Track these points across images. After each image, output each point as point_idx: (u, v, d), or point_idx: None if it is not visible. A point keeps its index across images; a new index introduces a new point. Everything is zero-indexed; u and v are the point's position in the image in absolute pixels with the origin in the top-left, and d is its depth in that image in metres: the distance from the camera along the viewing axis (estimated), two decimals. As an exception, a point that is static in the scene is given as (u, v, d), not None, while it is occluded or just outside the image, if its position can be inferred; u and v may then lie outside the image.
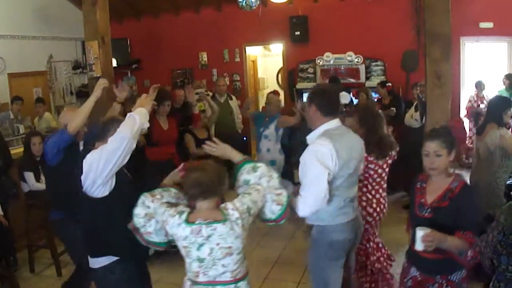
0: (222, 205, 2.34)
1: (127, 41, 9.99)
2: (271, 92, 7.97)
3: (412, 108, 6.70)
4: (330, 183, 2.69)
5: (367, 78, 8.41)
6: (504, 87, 7.48)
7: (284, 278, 4.51)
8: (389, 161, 3.66)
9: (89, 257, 2.77)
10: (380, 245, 3.72)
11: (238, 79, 9.83)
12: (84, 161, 2.58)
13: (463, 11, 7.04)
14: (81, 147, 3.49)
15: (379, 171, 3.57)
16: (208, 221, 2.26)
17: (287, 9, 8.87)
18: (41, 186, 4.78)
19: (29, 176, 4.86)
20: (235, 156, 2.65)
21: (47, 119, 7.46)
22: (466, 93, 8.19)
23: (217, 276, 2.33)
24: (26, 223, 4.86)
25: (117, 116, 2.99)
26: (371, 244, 3.64)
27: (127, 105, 5.25)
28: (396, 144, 3.78)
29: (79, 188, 2.62)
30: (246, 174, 2.54)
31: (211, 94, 7.53)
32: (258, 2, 7.28)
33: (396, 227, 4.50)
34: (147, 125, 2.70)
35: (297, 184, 2.90)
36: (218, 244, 2.27)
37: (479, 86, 7.72)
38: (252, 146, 8.08)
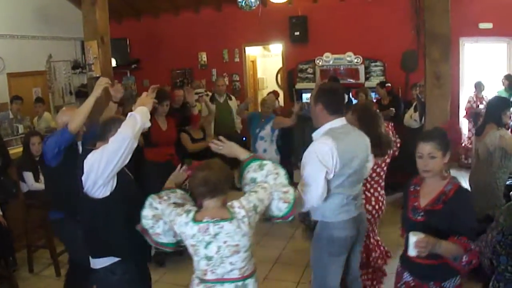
0: (229, 203, 2.36)
1: (126, 41, 9.99)
2: (270, 92, 8.02)
3: (412, 109, 6.71)
4: (330, 181, 2.76)
5: (367, 79, 8.41)
6: (503, 87, 7.49)
7: (283, 277, 4.52)
8: (388, 160, 3.68)
9: (90, 258, 2.75)
10: (380, 242, 3.74)
11: (238, 79, 9.84)
12: (85, 161, 2.56)
13: (463, 11, 7.05)
14: (80, 147, 3.50)
15: (378, 169, 3.59)
16: (215, 219, 2.28)
17: (287, 9, 8.88)
18: (40, 186, 4.78)
19: (28, 176, 4.85)
20: (242, 154, 2.67)
21: (46, 119, 7.45)
22: (466, 94, 8.21)
23: (225, 273, 2.35)
24: (25, 223, 4.85)
25: (118, 116, 2.98)
26: (372, 240, 3.65)
27: (127, 105, 5.25)
28: (394, 142, 3.81)
29: (80, 189, 2.61)
30: (253, 172, 2.56)
31: (210, 94, 7.53)
32: (258, 2, 7.28)
33: (394, 227, 4.46)
34: (148, 124, 2.69)
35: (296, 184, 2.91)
36: (225, 242, 2.29)
37: (479, 86, 7.72)
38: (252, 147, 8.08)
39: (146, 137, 4.69)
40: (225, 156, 2.71)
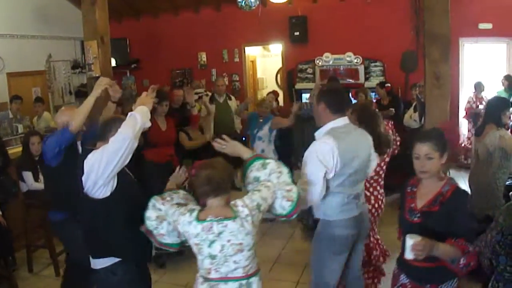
0: (232, 202, 2.37)
1: (126, 41, 9.98)
2: (270, 92, 8.02)
3: (411, 109, 6.71)
4: (331, 180, 2.81)
5: (366, 79, 8.41)
6: (503, 88, 7.50)
7: (283, 277, 4.52)
8: (387, 159, 3.70)
9: (90, 258, 2.74)
10: (379, 241, 3.76)
11: (237, 79, 9.84)
12: (85, 161, 2.55)
13: (462, 12, 7.05)
14: (79, 147, 3.49)
15: (377, 168, 3.60)
16: (219, 218, 2.29)
17: (287, 9, 8.87)
18: (40, 185, 4.78)
19: (28, 175, 4.85)
20: (245, 153, 2.69)
21: (46, 119, 7.45)
22: (465, 94, 8.21)
23: (229, 272, 2.36)
24: (25, 222, 4.85)
25: (118, 115, 2.97)
26: (372, 239, 3.67)
27: (127, 105, 5.24)
28: (394, 141, 3.83)
29: (80, 189, 2.59)
30: (256, 171, 2.57)
31: (210, 94, 7.53)
32: (258, 2, 7.28)
33: (393, 227, 4.48)
34: (148, 124, 2.68)
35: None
36: (229, 240, 2.30)
37: (478, 87, 7.73)
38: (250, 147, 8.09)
39: (146, 137, 4.67)
40: (227, 156, 2.71)
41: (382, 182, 3.78)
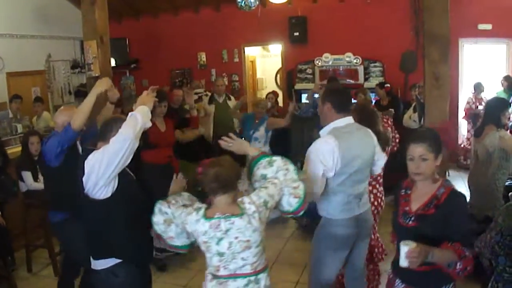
0: (239, 199, 2.40)
1: (126, 40, 9.99)
2: (270, 93, 8.02)
3: (411, 109, 6.71)
4: (332, 178, 2.86)
5: (366, 79, 8.42)
6: (502, 88, 7.51)
7: (282, 277, 4.51)
8: (385, 157, 3.72)
9: (91, 259, 2.72)
10: (380, 239, 3.78)
11: (237, 79, 9.84)
12: (85, 162, 2.53)
13: (462, 12, 7.05)
14: (79, 147, 3.48)
15: None
16: (226, 215, 2.32)
17: (286, 10, 8.88)
18: (39, 185, 4.77)
19: (27, 175, 4.85)
20: (251, 151, 2.72)
21: (45, 119, 7.45)
22: (465, 95, 8.22)
23: (237, 269, 2.38)
24: (24, 222, 4.85)
25: (119, 115, 2.96)
26: (373, 237, 3.68)
27: (126, 104, 5.21)
28: (393, 138, 3.85)
29: (80, 190, 2.58)
30: (263, 169, 2.59)
31: (209, 94, 7.53)
32: (257, 2, 7.28)
33: (390, 227, 4.50)
34: (149, 124, 2.68)
35: None
36: (236, 237, 2.32)
37: (478, 88, 7.73)
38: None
39: (145, 138, 4.61)
40: (233, 154, 2.73)
41: (381, 180, 3.83)
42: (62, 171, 3.31)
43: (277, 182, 2.50)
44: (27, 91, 8.35)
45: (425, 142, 2.32)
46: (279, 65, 10.16)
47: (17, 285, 4.43)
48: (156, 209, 2.57)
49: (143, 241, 2.77)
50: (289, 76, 9.29)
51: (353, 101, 6.78)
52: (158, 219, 2.56)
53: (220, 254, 2.36)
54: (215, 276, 2.42)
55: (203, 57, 9.97)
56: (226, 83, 9.05)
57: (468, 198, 4.16)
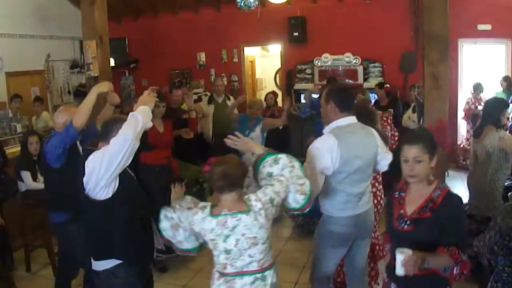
0: (246, 196, 2.42)
1: (125, 40, 9.99)
2: (269, 93, 8.03)
3: (410, 110, 6.72)
4: (331, 176, 2.91)
5: (365, 79, 8.43)
6: (501, 89, 7.51)
7: (281, 278, 4.46)
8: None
9: (92, 260, 2.71)
10: (379, 237, 3.79)
11: (236, 79, 9.84)
12: (86, 163, 2.52)
13: (461, 13, 7.06)
14: (80, 148, 3.48)
15: None
16: (233, 212, 2.34)
17: (286, 10, 8.88)
18: (38, 185, 4.76)
19: (26, 175, 4.84)
20: (257, 149, 2.73)
21: (44, 119, 7.45)
22: (464, 95, 8.21)
23: (244, 266, 2.40)
24: (23, 222, 4.84)
25: (120, 116, 2.95)
26: (373, 234, 3.69)
27: (126, 104, 5.19)
28: (392, 136, 3.87)
29: (81, 190, 2.57)
30: (269, 167, 2.60)
31: (209, 94, 7.53)
32: (257, 2, 7.28)
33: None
34: (150, 124, 2.67)
35: None
36: (243, 234, 2.34)
37: (477, 88, 7.73)
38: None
39: (144, 139, 4.56)
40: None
41: (380, 179, 3.87)
42: (63, 172, 3.30)
43: (283, 179, 2.51)
44: (26, 91, 8.36)
45: (419, 143, 2.26)
46: (279, 65, 10.16)
47: (16, 285, 4.42)
48: (162, 216, 2.59)
49: (143, 242, 2.77)
50: (288, 76, 9.29)
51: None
52: (164, 225, 2.59)
53: (227, 252, 2.37)
54: (222, 274, 2.44)
55: (202, 57, 9.97)
56: (226, 83, 9.04)
57: (467, 199, 4.20)
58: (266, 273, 2.46)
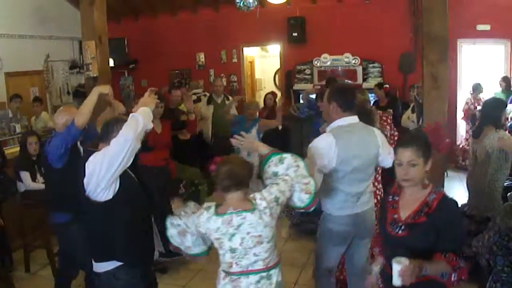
0: (251, 195, 2.44)
1: (124, 41, 9.98)
2: (269, 93, 8.03)
3: (409, 110, 6.71)
4: (328, 175, 2.95)
5: (364, 80, 8.44)
6: (500, 89, 7.51)
7: (280, 278, 4.51)
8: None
9: (93, 261, 2.71)
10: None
11: (235, 80, 9.84)
12: (86, 164, 2.52)
13: (461, 13, 7.06)
14: (81, 148, 3.47)
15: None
16: (238, 210, 2.36)
17: (285, 10, 8.88)
18: (37, 185, 4.76)
19: (25, 175, 4.83)
20: (262, 148, 2.75)
21: (44, 119, 7.44)
22: (463, 95, 8.22)
23: (249, 265, 2.41)
24: (22, 222, 4.84)
25: (120, 116, 2.95)
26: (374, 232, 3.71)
27: (126, 104, 5.19)
28: (392, 136, 3.88)
29: (81, 192, 2.57)
30: (274, 167, 2.62)
31: (208, 94, 7.53)
32: (256, 3, 7.28)
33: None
34: (150, 125, 2.68)
35: None
36: (248, 233, 2.36)
37: (477, 88, 7.73)
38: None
39: (143, 141, 4.53)
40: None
41: (379, 178, 3.91)
42: (64, 172, 3.29)
43: (288, 178, 2.53)
44: (25, 91, 8.34)
45: (413, 146, 2.20)
46: (278, 66, 10.16)
47: (15, 285, 4.42)
48: (168, 224, 2.60)
49: (144, 243, 2.76)
50: (287, 76, 9.30)
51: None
52: (172, 233, 2.60)
53: (233, 250, 2.39)
54: (228, 273, 2.45)
55: (201, 57, 9.97)
56: (225, 83, 9.04)
57: (466, 199, 4.20)
58: (272, 272, 2.47)
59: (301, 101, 7.91)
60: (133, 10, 10.00)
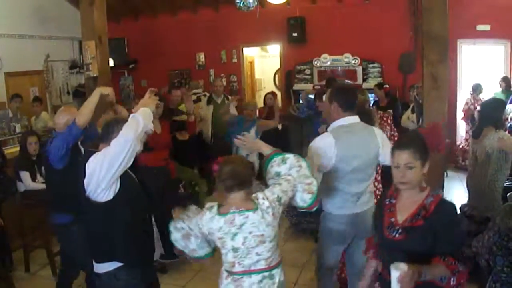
0: (253, 195, 2.44)
1: (124, 41, 9.98)
2: (269, 93, 8.03)
3: (409, 110, 6.71)
4: (327, 175, 2.97)
5: (364, 80, 8.44)
6: (500, 89, 7.51)
7: (280, 279, 4.51)
8: None
9: (93, 262, 2.71)
10: None
11: (235, 80, 9.84)
12: (86, 164, 2.51)
13: (461, 13, 7.06)
14: (82, 148, 3.47)
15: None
16: (240, 209, 2.36)
17: (285, 10, 8.88)
18: (37, 185, 4.76)
19: (25, 175, 4.83)
20: (265, 149, 2.78)
21: (44, 119, 7.43)
22: (463, 96, 8.22)
23: (251, 265, 2.42)
24: (22, 222, 4.84)
25: (121, 117, 2.94)
26: None
27: (125, 105, 5.18)
28: (392, 136, 3.89)
29: (81, 192, 2.56)
30: (277, 167, 2.64)
31: (208, 94, 7.53)
32: (256, 3, 7.28)
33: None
34: (151, 126, 2.68)
35: None
36: (251, 232, 2.36)
37: (477, 89, 7.73)
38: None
39: (143, 141, 4.52)
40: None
41: (379, 178, 3.93)
42: (65, 173, 3.29)
43: (290, 178, 2.54)
44: (25, 91, 8.34)
45: (410, 149, 2.16)
46: (278, 66, 10.17)
47: (15, 285, 4.42)
48: (171, 228, 2.60)
49: (144, 243, 2.76)
50: (287, 76, 9.30)
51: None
52: (176, 237, 2.59)
53: (235, 250, 2.39)
54: (230, 273, 2.46)
55: (201, 57, 9.98)
56: (225, 83, 9.05)
57: (466, 199, 4.20)
58: (274, 271, 2.48)
59: (301, 101, 7.93)
60: (133, 10, 10.00)
